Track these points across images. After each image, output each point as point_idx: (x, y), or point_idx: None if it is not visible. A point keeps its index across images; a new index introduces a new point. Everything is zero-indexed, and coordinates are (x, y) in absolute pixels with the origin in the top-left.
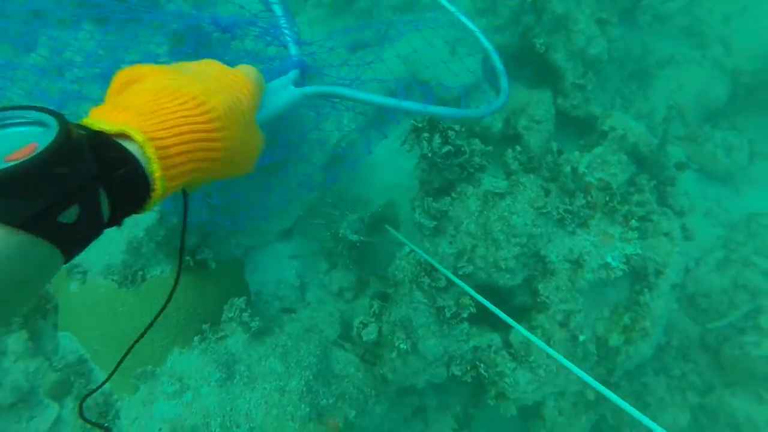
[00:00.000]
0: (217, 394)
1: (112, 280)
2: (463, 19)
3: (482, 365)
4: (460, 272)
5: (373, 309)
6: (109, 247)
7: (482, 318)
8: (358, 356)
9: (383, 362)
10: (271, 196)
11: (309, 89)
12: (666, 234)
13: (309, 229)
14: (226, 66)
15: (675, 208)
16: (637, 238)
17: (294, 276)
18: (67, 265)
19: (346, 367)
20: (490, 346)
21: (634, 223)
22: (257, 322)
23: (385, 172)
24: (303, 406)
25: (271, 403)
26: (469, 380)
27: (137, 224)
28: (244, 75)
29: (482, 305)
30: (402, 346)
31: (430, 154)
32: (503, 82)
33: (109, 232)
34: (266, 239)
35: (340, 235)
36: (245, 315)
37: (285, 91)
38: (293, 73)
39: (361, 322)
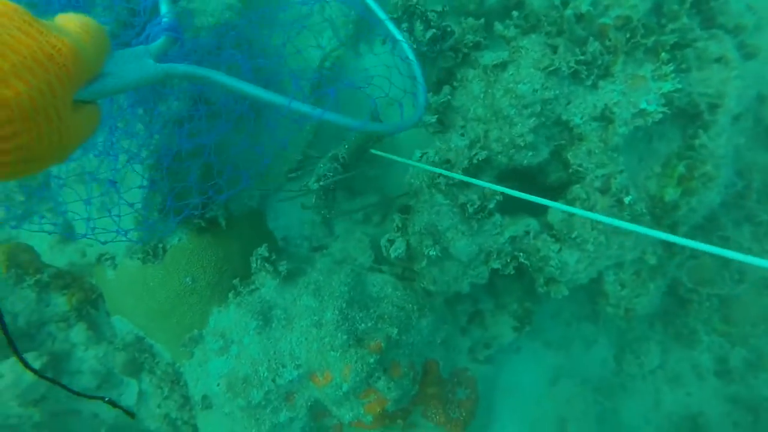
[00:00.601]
0: (259, 342)
1: (137, 258)
2: (387, 22)
3: (521, 254)
4: (475, 160)
5: (396, 224)
6: (123, 228)
7: (515, 206)
8: (396, 276)
9: (421, 275)
10: (262, 138)
11: (176, 68)
12: (718, 59)
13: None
14: (37, 21)
15: (728, 27)
16: (674, 72)
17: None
18: (95, 255)
19: (383, 288)
20: (527, 233)
21: (664, 55)
22: (285, 266)
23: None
24: (340, 334)
25: (311, 338)
26: (513, 272)
27: (135, 198)
28: (68, 42)
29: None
30: (431, 253)
31: (415, 45)
32: (421, 95)
33: (120, 212)
34: (278, 183)
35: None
36: (268, 264)
37: (139, 65)
38: (157, 43)
39: (388, 240)
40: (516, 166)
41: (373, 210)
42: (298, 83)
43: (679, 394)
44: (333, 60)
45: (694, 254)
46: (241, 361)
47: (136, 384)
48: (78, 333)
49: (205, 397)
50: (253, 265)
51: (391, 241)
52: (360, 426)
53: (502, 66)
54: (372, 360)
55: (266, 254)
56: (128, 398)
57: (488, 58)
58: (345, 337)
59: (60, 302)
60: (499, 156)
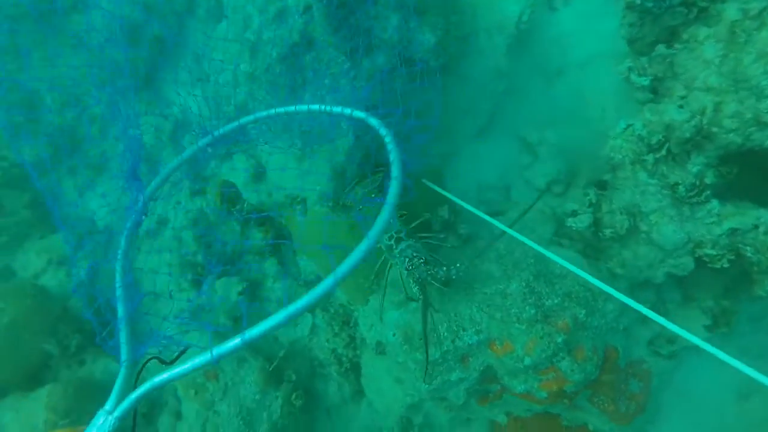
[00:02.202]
0: (438, 302)
1: (327, 206)
2: None
3: (748, 248)
4: (689, 134)
5: (589, 198)
6: (318, 177)
7: (738, 192)
8: (578, 252)
9: (608, 256)
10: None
11: (128, 403)
12: None
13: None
14: None
15: None
16: None
17: (496, 177)
18: (281, 196)
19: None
20: (756, 227)
21: None
22: (465, 229)
23: (580, 42)
24: (527, 307)
25: (494, 306)
26: (726, 266)
27: (337, 150)
28: None
29: (732, 174)
30: (622, 233)
31: (639, 1)
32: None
33: (316, 160)
34: (463, 142)
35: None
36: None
37: None
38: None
39: (573, 211)
40: (753, 147)
41: (557, 179)
42: None
43: None
44: (530, 13)
45: None
46: (417, 317)
47: (311, 318)
48: (270, 266)
49: (379, 344)
50: (435, 225)
51: (575, 213)
52: (528, 399)
53: (761, 22)
54: (560, 339)
55: (446, 216)
56: (305, 329)
57: (733, 13)
58: (533, 311)
59: (257, 237)
60: (731, 134)
